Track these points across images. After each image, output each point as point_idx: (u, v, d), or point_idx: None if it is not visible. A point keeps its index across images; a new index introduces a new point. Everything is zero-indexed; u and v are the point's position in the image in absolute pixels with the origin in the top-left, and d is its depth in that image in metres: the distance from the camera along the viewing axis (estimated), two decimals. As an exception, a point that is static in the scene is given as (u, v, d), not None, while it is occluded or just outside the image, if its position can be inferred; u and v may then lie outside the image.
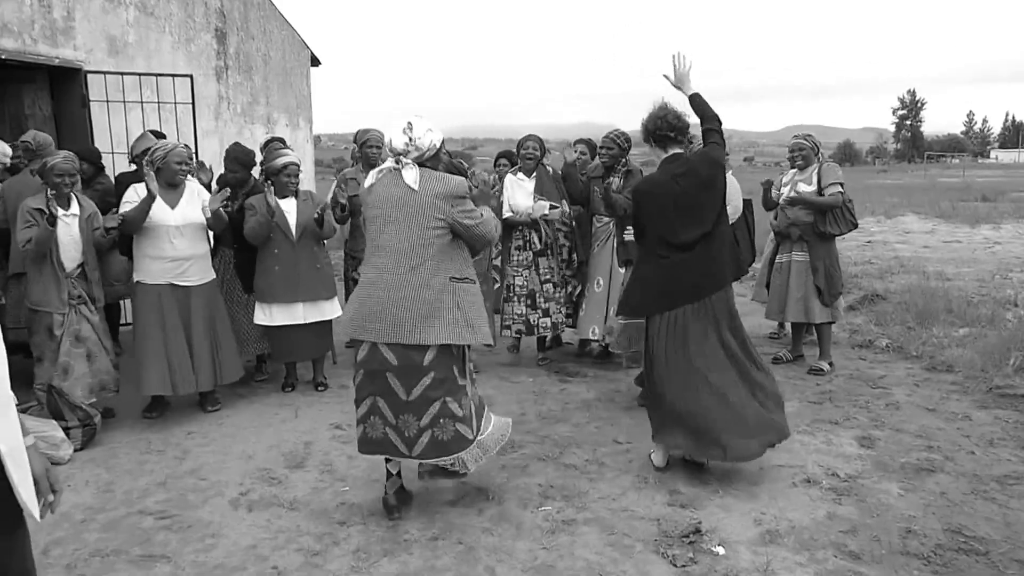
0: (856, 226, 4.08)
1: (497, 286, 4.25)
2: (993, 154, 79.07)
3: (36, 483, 1.11)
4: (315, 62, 8.35)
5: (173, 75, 5.16)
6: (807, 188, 3.98)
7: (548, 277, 4.13)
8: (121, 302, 4.64)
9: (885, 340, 4.64)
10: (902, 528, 2.34)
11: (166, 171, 3.30)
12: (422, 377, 2.24)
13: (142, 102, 5.03)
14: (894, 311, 5.28)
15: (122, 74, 4.93)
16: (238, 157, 3.83)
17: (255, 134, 6.76)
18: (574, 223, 4.18)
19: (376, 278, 2.26)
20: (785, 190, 4.13)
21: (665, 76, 2.87)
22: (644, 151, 3.07)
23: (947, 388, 3.78)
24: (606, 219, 4.07)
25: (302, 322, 3.68)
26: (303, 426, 3.33)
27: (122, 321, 4.75)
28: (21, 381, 2.26)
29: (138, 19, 5.41)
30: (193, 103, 5.11)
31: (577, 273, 4.24)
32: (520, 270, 4.13)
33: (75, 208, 3.17)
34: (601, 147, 4.11)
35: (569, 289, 4.22)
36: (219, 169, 4.09)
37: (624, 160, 4.09)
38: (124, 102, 4.88)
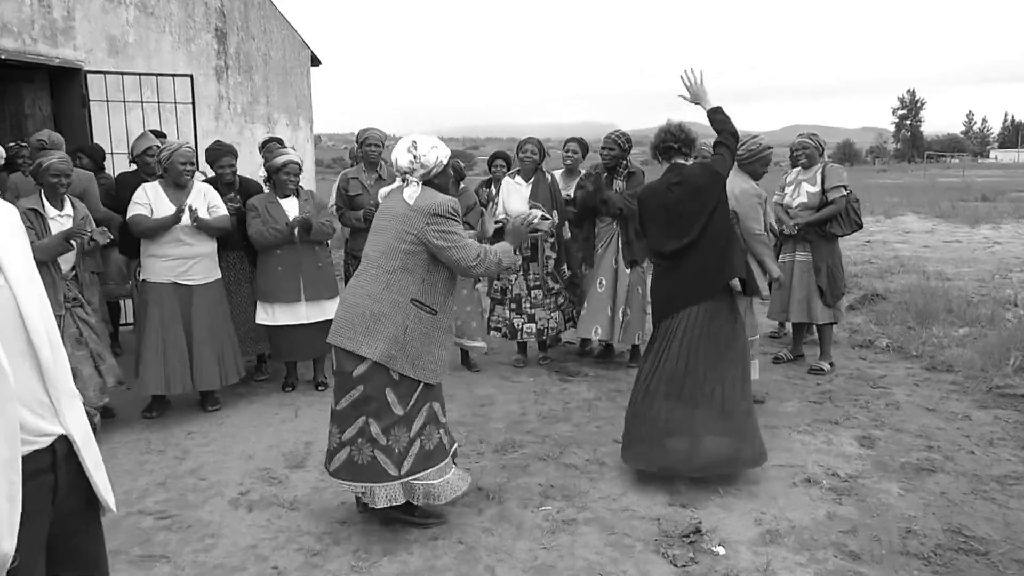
0: (861, 227, 4.09)
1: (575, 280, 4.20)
2: (993, 154, 79.08)
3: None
4: (315, 62, 8.35)
5: (173, 75, 5.16)
6: (811, 189, 3.99)
7: (537, 283, 4.12)
8: (121, 302, 4.65)
9: (885, 340, 4.64)
10: (902, 528, 2.34)
11: (171, 171, 3.30)
12: (351, 388, 2.19)
13: (142, 102, 5.03)
14: (894, 311, 5.28)
15: (122, 74, 4.92)
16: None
17: (255, 134, 6.76)
18: (563, 232, 4.09)
19: (351, 280, 2.33)
20: (789, 189, 4.13)
21: (681, 96, 2.82)
22: (644, 149, 3.08)
23: (947, 388, 3.78)
24: (608, 220, 4.07)
25: (304, 322, 3.68)
26: (303, 426, 3.33)
27: (122, 321, 4.75)
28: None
29: (138, 19, 5.41)
30: (193, 103, 5.11)
31: (568, 284, 4.20)
32: (509, 274, 4.12)
33: (68, 209, 3.17)
34: (603, 148, 4.10)
35: (560, 300, 4.17)
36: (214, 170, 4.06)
37: (626, 162, 4.09)
38: (124, 102, 4.88)
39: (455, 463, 2.41)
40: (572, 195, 4.17)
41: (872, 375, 4.01)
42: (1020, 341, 4.18)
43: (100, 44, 5.06)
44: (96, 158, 4.22)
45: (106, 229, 3.15)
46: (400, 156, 2.25)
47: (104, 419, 3.27)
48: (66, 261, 3.13)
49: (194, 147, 3.47)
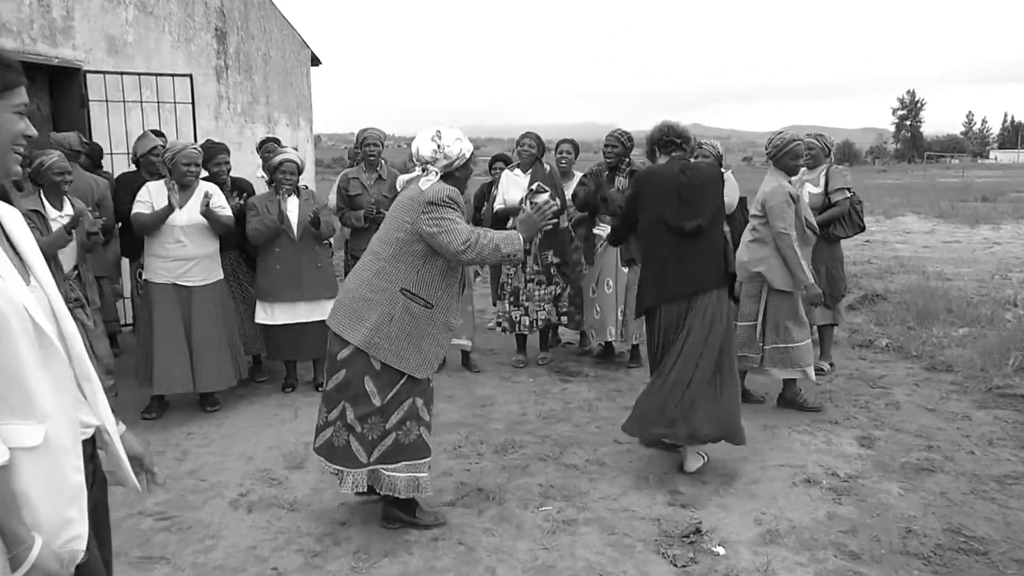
0: (863, 229, 4.08)
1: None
2: (992, 154, 79.10)
3: (141, 458, 1.24)
4: (315, 62, 8.35)
5: (173, 75, 5.16)
6: (814, 190, 3.99)
7: (532, 276, 4.12)
8: (119, 302, 4.64)
9: (885, 340, 4.64)
10: (902, 528, 2.34)
11: (175, 172, 3.31)
12: (336, 371, 2.21)
13: (141, 102, 5.02)
14: (894, 311, 5.28)
15: (121, 74, 4.92)
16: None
17: (255, 134, 6.76)
18: (560, 222, 4.11)
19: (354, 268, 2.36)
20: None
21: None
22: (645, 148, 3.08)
23: (947, 388, 3.78)
24: (609, 219, 4.07)
25: (304, 321, 3.68)
26: (303, 426, 3.33)
27: (122, 322, 4.75)
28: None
29: (137, 18, 5.41)
30: (193, 103, 5.11)
31: (560, 273, 4.19)
32: (508, 267, 4.13)
33: (68, 209, 3.17)
34: (606, 146, 4.11)
35: (556, 290, 4.16)
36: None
37: (628, 160, 4.09)
38: (124, 102, 4.88)
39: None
40: (574, 194, 4.18)
41: (872, 375, 4.01)
42: (1020, 341, 4.18)
43: (99, 44, 5.05)
44: (94, 157, 4.22)
45: (99, 214, 3.17)
46: (423, 146, 2.21)
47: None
48: (67, 261, 3.13)
49: (200, 150, 3.46)
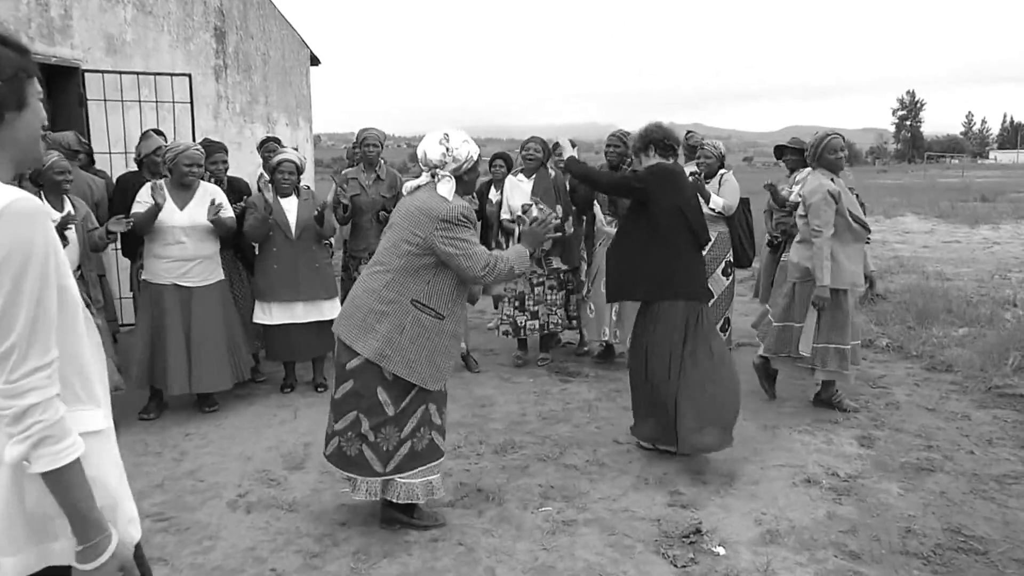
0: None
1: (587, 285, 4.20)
2: (992, 155, 79.17)
3: None
4: (315, 61, 8.34)
5: (171, 74, 5.15)
6: None
7: (540, 281, 4.12)
8: (119, 303, 4.63)
9: (885, 340, 4.64)
10: (902, 528, 2.34)
11: (175, 172, 3.30)
12: (344, 380, 2.20)
13: (140, 101, 5.01)
14: (894, 311, 5.28)
15: (120, 73, 4.91)
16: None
17: (255, 133, 6.75)
18: (566, 227, 4.09)
19: (361, 274, 2.34)
20: (796, 188, 4.12)
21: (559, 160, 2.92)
22: None
23: (946, 388, 3.78)
24: (609, 218, 4.07)
25: (301, 321, 3.67)
26: (302, 427, 3.32)
27: (120, 322, 4.73)
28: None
29: (136, 18, 5.40)
30: (192, 102, 5.10)
31: (572, 279, 4.20)
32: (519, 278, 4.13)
33: (69, 207, 3.16)
34: (607, 145, 4.12)
35: (566, 294, 4.16)
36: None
37: (629, 159, 4.09)
38: (122, 101, 4.87)
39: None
40: (573, 188, 4.17)
41: (872, 375, 4.01)
42: (1019, 341, 4.18)
43: (98, 43, 5.04)
44: (89, 153, 4.21)
45: (123, 217, 3.17)
46: (430, 149, 2.19)
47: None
48: (71, 261, 3.12)
49: (202, 150, 3.45)
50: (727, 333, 4.15)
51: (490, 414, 3.48)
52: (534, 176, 4.10)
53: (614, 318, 4.04)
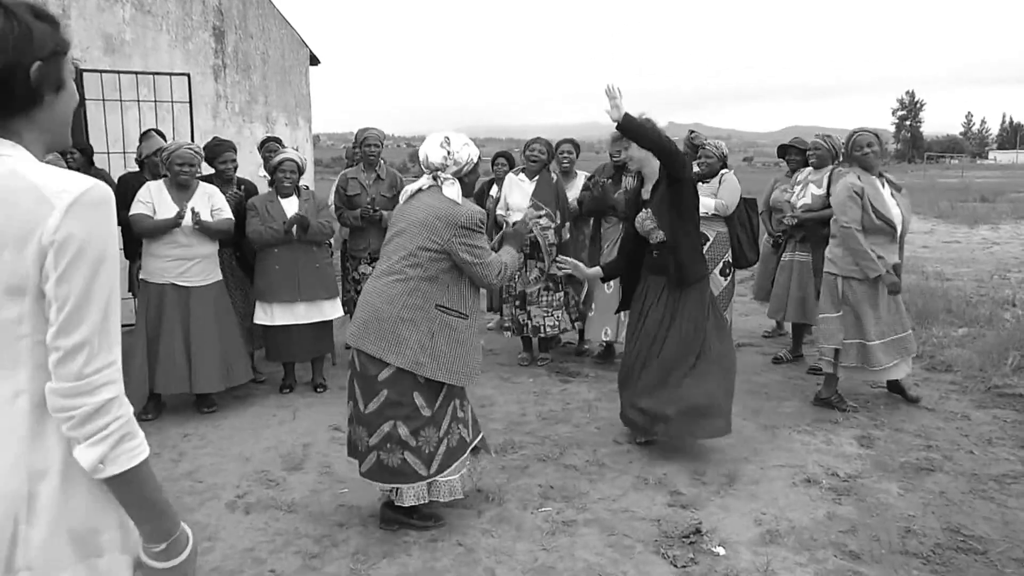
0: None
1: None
2: (991, 155, 79.24)
3: None
4: (314, 61, 8.34)
5: (170, 73, 5.14)
6: (817, 191, 3.98)
7: (537, 281, 4.10)
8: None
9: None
10: (901, 527, 2.34)
11: (171, 171, 3.31)
12: (376, 393, 2.18)
13: (139, 101, 5.00)
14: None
15: (118, 72, 4.90)
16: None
17: (254, 133, 6.74)
18: (563, 233, 4.08)
19: (370, 281, 2.29)
20: (797, 188, 4.12)
21: (606, 111, 2.73)
22: None
23: (946, 388, 3.78)
24: (614, 220, 4.05)
25: (302, 322, 3.67)
26: (301, 427, 3.32)
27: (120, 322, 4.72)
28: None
29: (134, 17, 5.39)
30: (190, 102, 5.09)
31: (571, 280, 4.20)
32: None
33: None
34: (612, 146, 4.10)
35: (563, 297, 4.14)
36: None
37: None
38: (120, 101, 4.86)
39: (488, 451, 2.48)
40: (580, 199, 4.15)
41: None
42: (1018, 341, 4.19)
43: (96, 42, 5.04)
44: (87, 153, 4.20)
45: None
46: (432, 152, 2.22)
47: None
48: None
49: (198, 147, 3.44)
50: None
51: (490, 414, 3.48)
52: (536, 178, 4.07)
53: (622, 319, 4.02)
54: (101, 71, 4.88)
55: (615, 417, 3.39)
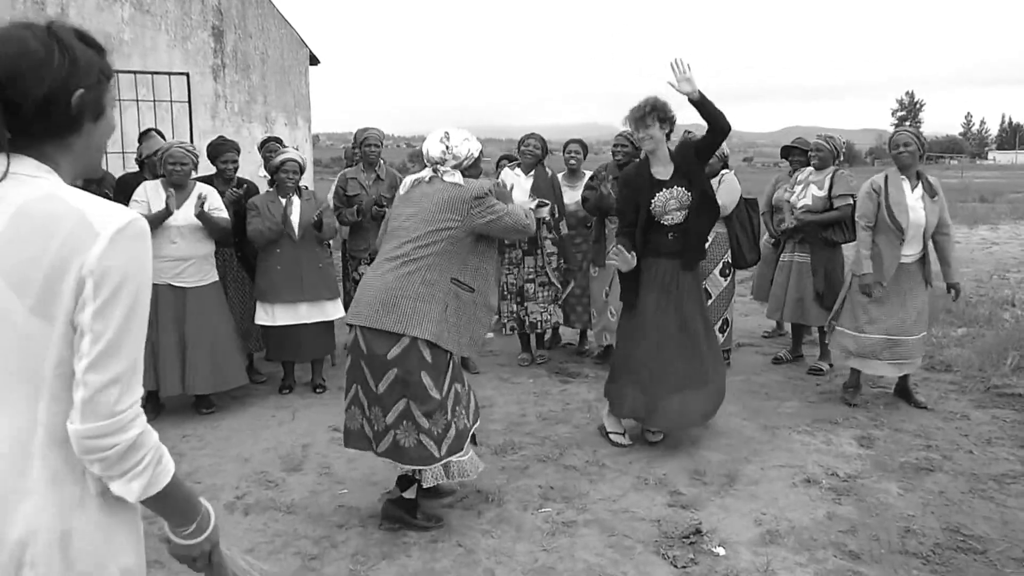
0: None
1: (562, 291, 4.19)
2: (991, 155, 79.35)
3: None
4: (314, 61, 8.33)
5: (169, 73, 5.15)
6: (817, 192, 3.97)
7: (531, 276, 4.10)
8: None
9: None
10: (901, 527, 2.34)
11: (164, 170, 3.31)
12: (387, 371, 2.18)
13: (138, 100, 5.00)
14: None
15: (117, 72, 4.89)
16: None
17: (253, 133, 6.74)
18: (559, 229, 4.08)
19: (375, 264, 2.31)
20: (798, 189, 4.12)
21: (670, 84, 2.78)
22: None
23: (945, 388, 3.78)
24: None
25: (304, 322, 3.66)
26: (301, 428, 3.31)
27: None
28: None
29: (133, 17, 5.39)
30: (189, 102, 5.09)
31: (564, 274, 4.18)
32: (510, 267, 4.11)
33: None
34: (615, 146, 4.10)
35: (554, 292, 4.14)
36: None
37: (637, 159, 4.07)
38: (119, 100, 4.85)
39: (474, 442, 2.47)
40: (584, 197, 4.15)
41: (871, 375, 4.00)
42: (1018, 341, 4.19)
43: (96, 43, 5.03)
44: None
45: None
46: (432, 147, 2.29)
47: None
48: None
49: (192, 147, 3.43)
50: (726, 333, 4.14)
51: (490, 415, 3.47)
52: (532, 173, 4.09)
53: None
54: (100, 71, 4.87)
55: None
